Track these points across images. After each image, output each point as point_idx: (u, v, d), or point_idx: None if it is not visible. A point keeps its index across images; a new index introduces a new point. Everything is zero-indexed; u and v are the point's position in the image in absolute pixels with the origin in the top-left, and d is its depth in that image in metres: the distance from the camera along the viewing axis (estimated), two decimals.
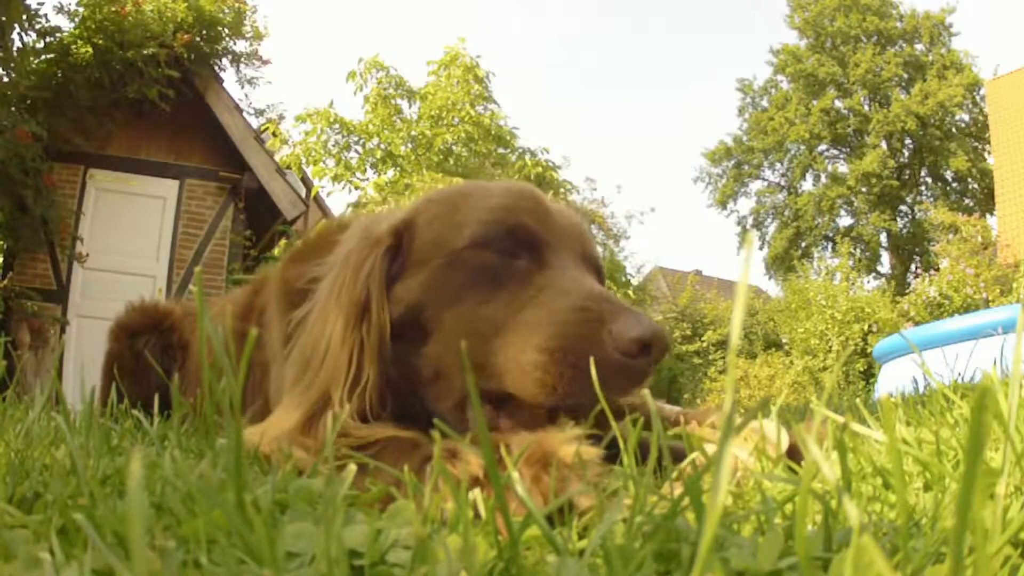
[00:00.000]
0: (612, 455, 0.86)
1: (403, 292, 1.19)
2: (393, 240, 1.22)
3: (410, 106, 10.86)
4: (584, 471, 0.78)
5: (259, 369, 1.55)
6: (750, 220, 31.80)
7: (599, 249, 1.39)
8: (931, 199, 28.50)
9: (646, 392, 0.89)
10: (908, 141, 29.32)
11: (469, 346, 1.07)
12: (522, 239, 1.18)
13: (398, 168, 10.26)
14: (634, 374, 1.02)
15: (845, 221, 30.24)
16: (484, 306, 1.12)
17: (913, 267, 27.41)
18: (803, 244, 30.27)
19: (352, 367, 1.13)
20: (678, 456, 0.95)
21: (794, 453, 0.99)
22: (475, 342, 1.09)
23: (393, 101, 10.60)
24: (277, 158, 9.39)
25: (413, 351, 1.17)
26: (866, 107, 29.49)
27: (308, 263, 1.46)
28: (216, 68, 8.89)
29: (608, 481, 0.77)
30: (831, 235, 29.91)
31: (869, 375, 13.67)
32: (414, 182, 9.62)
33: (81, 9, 8.14)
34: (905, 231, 29.14)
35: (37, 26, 7.82)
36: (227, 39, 8.95)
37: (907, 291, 15.40)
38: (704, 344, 17.78)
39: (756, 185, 32.10)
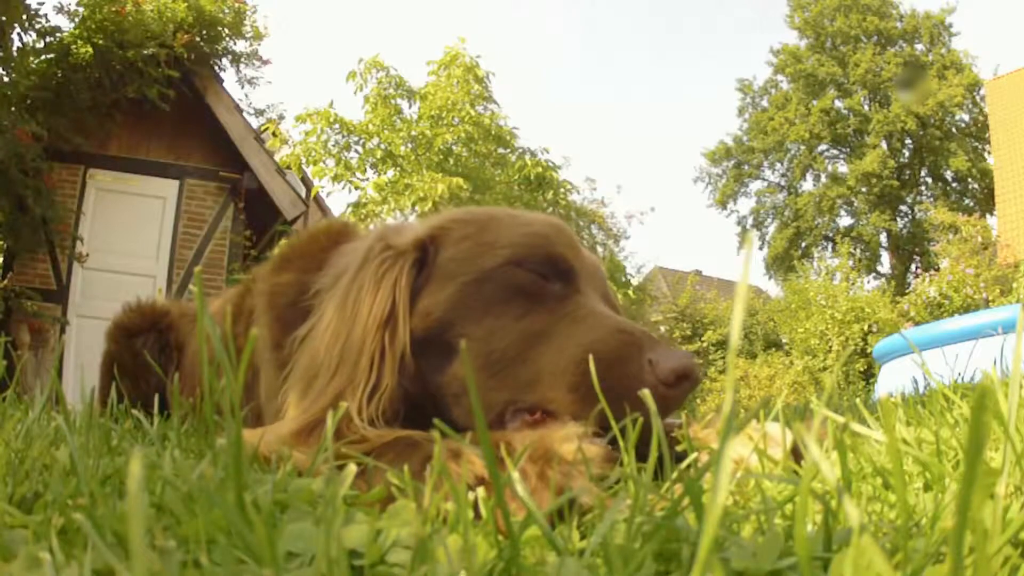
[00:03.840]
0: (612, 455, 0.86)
1: (428, 306, 1.16)
2: (419, 253, 1.20)
3: (410, 106, 10.84)
4: (587, 468, 0.77)
5: (250, 372, 1.54)
6: (750, 220, 31.81)
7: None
8: (931, 199, 28.49)
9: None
10: (908, 141, 29.32)
11: (501, 358, 1.08)
12: (559, 267, 1.18)
13: (398, 168, 10.25)
14: (668, 402, 1.04)
15: (845, 221, 30.26)
16: (518, 321, 1.12)
17: (913, 267, 27.37)
18: (803, 244, 30.25)
19: (372, 374, 1.10)
20: (678, 457, 0.95)
21: (795, 453, 0.99)
22: (508, 354, 1.09)
23: (393, 101, 10.58)
24: (277, 158, 9.37)
25: (437, 367, 1.15)
26: (866, 107, 29.48)
27: (297, 270, 1.45)
28: (216, 68, 8.89)
29: (610, 479, 0.77)
30: (831, 235, 29.89)
31: (869, 375, 13.66)
32: (414, 182, 9.61)
33: (81, 9, 8.13)
34: (905, 231, 29.13)
35: (37, 26, 7.81)
36: (227, 39, 8.95)
37: (907, 291, 15.41)
38: (704, 344, 17.79)
39: (756, 185, 32.12)
